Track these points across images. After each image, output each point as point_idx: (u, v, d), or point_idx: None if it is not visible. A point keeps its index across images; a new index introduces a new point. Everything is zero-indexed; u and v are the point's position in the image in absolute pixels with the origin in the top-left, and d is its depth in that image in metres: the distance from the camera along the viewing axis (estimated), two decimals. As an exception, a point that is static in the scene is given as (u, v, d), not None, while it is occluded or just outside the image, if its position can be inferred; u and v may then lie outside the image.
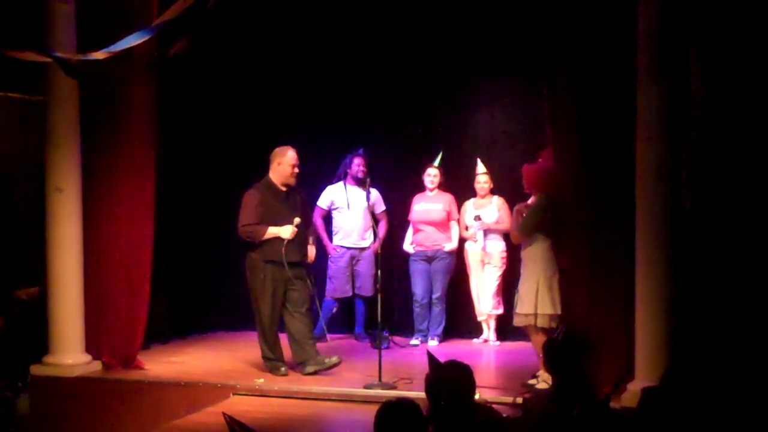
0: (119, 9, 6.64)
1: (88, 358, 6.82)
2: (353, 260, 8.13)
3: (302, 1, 8.03)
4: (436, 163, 8.09)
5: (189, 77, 7.98)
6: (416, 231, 8.06)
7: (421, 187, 8.10)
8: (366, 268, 8.12)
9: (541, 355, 5.61)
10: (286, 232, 6.56)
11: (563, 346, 4.67)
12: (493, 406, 4.50)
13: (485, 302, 7.88)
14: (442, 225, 7.99)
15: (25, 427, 6.52)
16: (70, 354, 6.74)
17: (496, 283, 7.80)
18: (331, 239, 8.21)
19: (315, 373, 6.54)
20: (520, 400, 5.29)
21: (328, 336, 7.65)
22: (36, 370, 6.71)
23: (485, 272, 7.86)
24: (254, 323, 6.80)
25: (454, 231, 8.02)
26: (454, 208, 8.03)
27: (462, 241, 8.00)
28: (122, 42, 5.76)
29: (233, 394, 6.30)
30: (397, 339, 7.98)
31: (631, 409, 3.97)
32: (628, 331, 5.60)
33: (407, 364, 6.97)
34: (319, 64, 8.38)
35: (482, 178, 7.92)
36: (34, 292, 7.25)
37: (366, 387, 6.18)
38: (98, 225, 6.87)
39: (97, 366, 6.85)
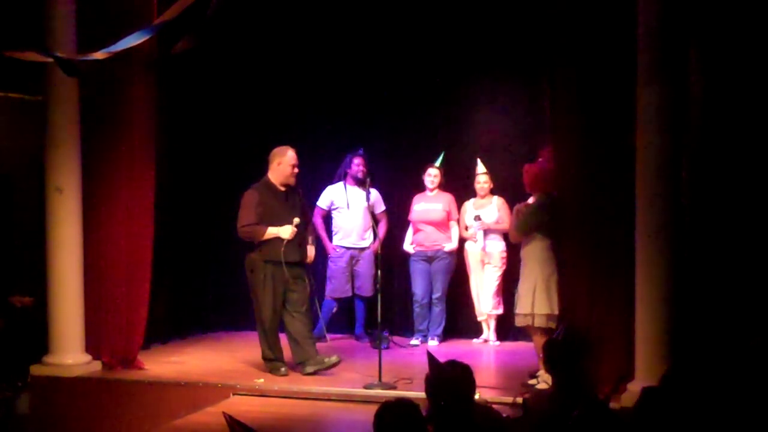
0: (119, 9, 6.65)
1: (88, 358, 6.82)
2: (353, 260, 8.13)
3: (302, 2, 8.04)
4: (438, 163, 8.09)
5: (189, 77, 7.99)
6: (416, 231, 8.06)
7: (421, 187, 8.10)
8: (366, 268, 8.12)
9: (541, 355, 5.61)
10: (286, 232, 6.56)
11: (563, 346, 4.65)
12: (493, 406, 4.51)
13: (485, 302, 7.88)
14: (442, 225, 7.99)
15: (25, 427, 6.51)
16: (70, 354, 6.74)
17: (496, 283, 7.80)
18: (330, 239, 8.21)
19: (315, 372, 6.55)
20: (520, 400, 5.27)
21: (328, 336, 7.66)
22: (36, 370, 6.70)
23: (485, 272, 7.86)
24: (254, 323, 6.81)
25: (454, 231, 8.02)
26: (454, 208, 8.03)
27: (462, 241, 8.00)
28: (122, 42, 5.75)
29: (233, 394, 6.30)
30: (397, 339, 7.98)
31: (630, 408, 3.97)
32: (628, 331, 5.61)
33: (407, 364, 6.96)
34: (319, 65, 8.38)
35: (482, 178, 7.92)
36: (29, 302, 7.21)
37: (366, 387, 6.18)
38: (98, 225, 6.86)
39: (96, 366, 6.84)
